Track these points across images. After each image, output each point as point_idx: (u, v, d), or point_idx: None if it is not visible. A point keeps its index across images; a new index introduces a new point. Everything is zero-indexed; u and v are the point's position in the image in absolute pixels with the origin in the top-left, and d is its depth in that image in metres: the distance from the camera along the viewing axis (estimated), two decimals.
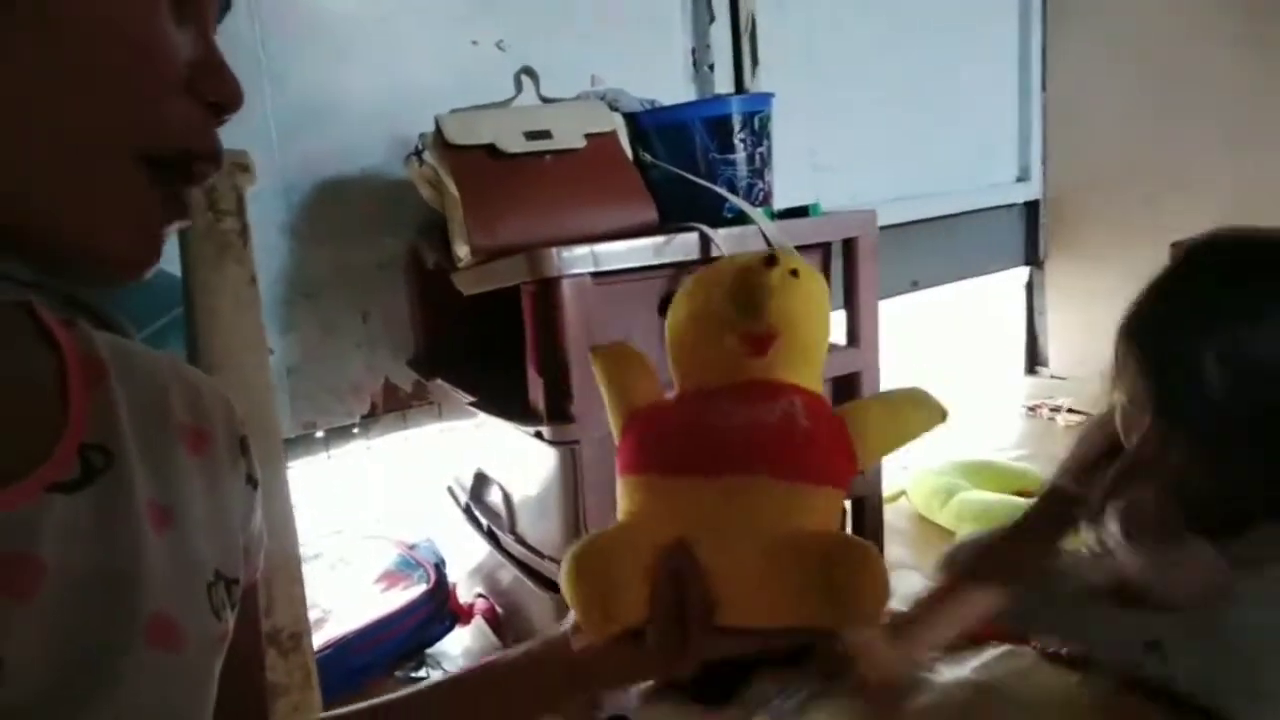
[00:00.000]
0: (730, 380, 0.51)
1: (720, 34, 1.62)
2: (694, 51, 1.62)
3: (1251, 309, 0.66)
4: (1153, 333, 0.71)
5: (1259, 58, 1.87)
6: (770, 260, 0.51)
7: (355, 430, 1.40)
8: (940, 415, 0.53)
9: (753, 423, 0.48)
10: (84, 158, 0.36)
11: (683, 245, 1.12)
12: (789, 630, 0.47)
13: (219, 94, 0.40)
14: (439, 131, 1.11)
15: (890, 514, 1.54)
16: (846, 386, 1.35)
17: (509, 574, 1.24)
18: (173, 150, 0.39)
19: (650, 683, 1.21)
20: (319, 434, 1.36)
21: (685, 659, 0.47)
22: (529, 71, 1.22)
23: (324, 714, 0.59)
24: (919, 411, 0.53)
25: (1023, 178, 2.23)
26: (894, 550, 1.50)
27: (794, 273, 0.51)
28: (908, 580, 1.40)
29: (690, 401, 0.52)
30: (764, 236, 1.16)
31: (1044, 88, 2.21)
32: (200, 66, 0.39)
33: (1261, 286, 0.67)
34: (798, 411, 0.49)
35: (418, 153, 1.16)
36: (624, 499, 0.51)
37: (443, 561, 1.38)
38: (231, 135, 0.82)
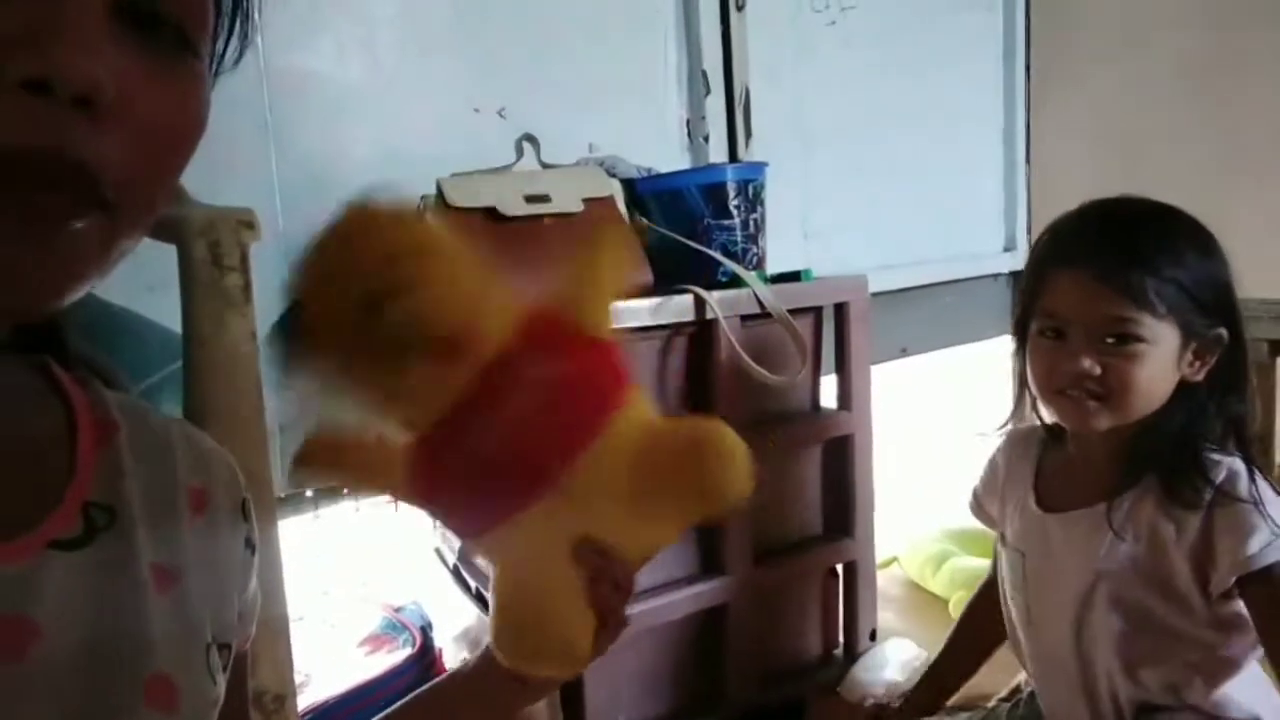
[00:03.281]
0: (451, 402, 0.41)
1: (715, 105, 1.67)
2: (689, 122, 1.67)
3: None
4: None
5: (1230, 132, 1.94)
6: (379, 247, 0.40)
7: (345, 490, 1.39)
8: (621, 234, 0.48)
9: (530, 427, 0.42)
10: None
11: (678, 307, 1.14)
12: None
13: (25, 69, 0.29)
14: (440, 194, 1.13)
15: (883, 580, 1.53)
16: (839, 450, 1.36)
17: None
18: None
19: None
20: (308, 493, 1.35)
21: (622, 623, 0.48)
22: (530, 138, 1.25)
23: None
24: (607, 248, 0.48)
25: (1009, 248, 2.28)
26: (886, 617, 1.48)
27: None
28: (899, 647, 1.38)
29: (452, 443, 0.42)
30: (757, 299, 1.18)
31: (1028, 161, 2.27)
32: (9, 38, 0.29)
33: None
34: (542, 372, 0.43)
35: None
36: (492, 552, 0.46)
37: (429, 625, 1.35)
38: (236, 196, 0.84)
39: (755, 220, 1.28)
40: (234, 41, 0.41)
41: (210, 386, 0.76)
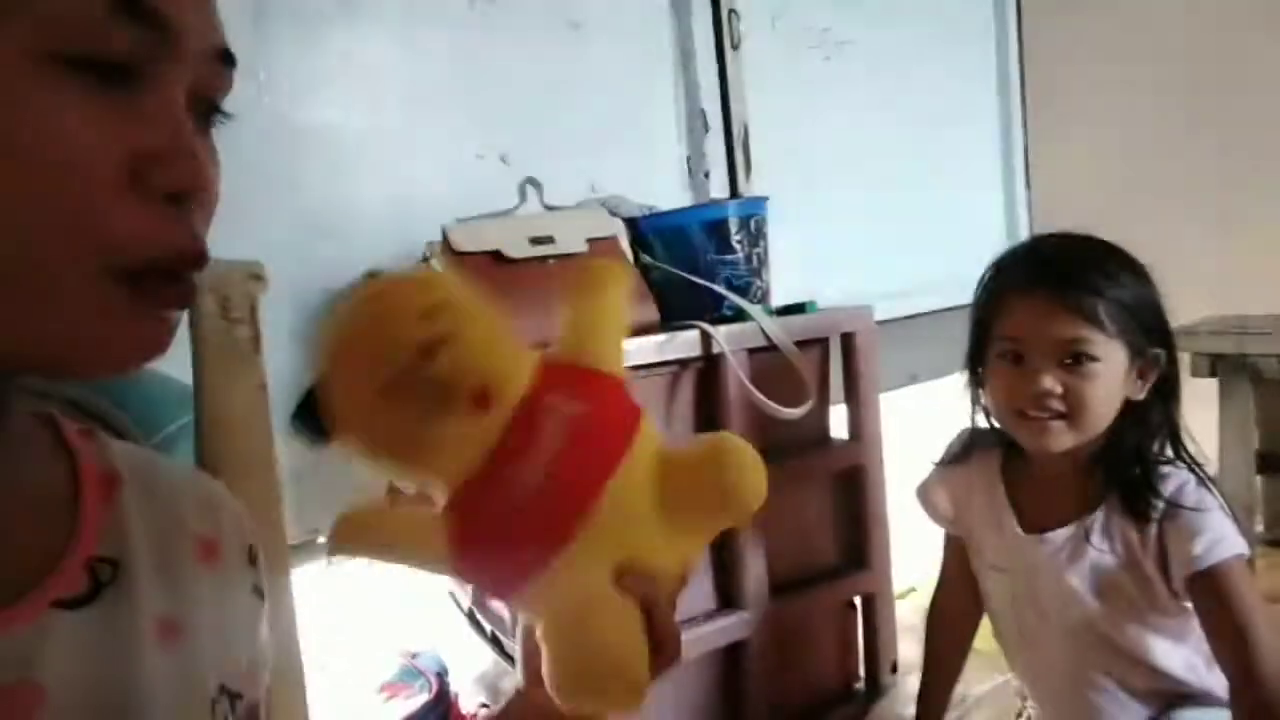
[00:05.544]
0: (482, 453, 0.42)
1: (714, 143, 1.69)
2: (689, 159, 1.69)
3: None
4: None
5: (1229, 153, 1.94)
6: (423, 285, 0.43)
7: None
8: (621, 272, 0.49)
9: (559, 467, 0.42)
10: (35, 277, 0.32)
11: (684, 343, 1.14)
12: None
13: (170, 183, 0.34)
14: (446, 240, 1.14)
15: (902, 610, 1.51)
16: (852, 481, 1.35)
17: (514, 682, 1.20)
18: (138, 261, 0.34)
19: None
20: (321, 540, 1.35)
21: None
22: (533, 181, 1.27)
23: None
24: (610, 285, 0.49)
25: None
26: (905, 648, 1.46)
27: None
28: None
29: (489, 493, 0.43)
30: (764, 332, 1.18)
31: (1028, 185, 2.28)
32: (152, 154, 0.33)
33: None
34: (564, 413, 0.43)
35: (425, 260, 1.20)
36: (537, 603, 0.45)
37: (445, 670, 1.34)
38: (244, 243, 0.85)
39: (758, 254, 1.29)
40: None
41: (221, 437, 0.77)
